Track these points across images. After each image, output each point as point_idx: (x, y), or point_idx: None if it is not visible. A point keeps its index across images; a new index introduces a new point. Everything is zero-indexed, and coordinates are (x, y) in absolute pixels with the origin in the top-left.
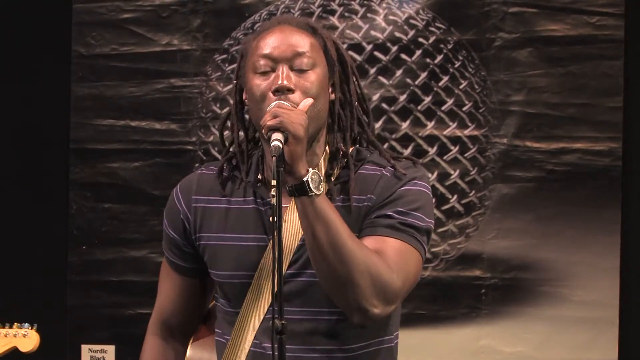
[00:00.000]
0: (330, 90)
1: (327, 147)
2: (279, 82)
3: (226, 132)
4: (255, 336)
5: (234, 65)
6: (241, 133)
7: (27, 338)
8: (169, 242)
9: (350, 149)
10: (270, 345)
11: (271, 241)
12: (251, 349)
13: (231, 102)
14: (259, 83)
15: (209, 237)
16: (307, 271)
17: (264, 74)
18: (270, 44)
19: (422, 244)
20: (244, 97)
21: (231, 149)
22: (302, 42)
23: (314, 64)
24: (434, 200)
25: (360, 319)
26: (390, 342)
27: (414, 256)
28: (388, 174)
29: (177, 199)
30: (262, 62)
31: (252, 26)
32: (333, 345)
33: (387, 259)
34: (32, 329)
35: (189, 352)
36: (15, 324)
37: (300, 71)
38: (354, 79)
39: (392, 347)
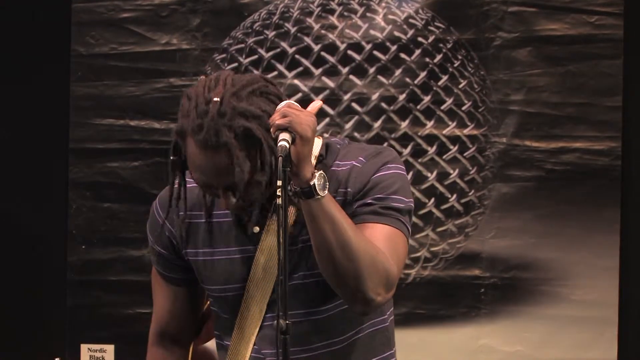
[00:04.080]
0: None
1: None
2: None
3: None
4: (255, 343)
5: (234, 65)
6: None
7: None
8: (158, 257)
9: (320, 146)
10: (269, 351)
11: (257, 251)
12: (252, 354)
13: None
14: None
15: (196, 253)
16: (295, 274)
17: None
18: (200, 178)
19: (406, 224)
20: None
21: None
22: (222, 169)
23: (241, 171)
24: (433, 200)
25: (364, 308)
26: (385, 322)
27: (401, 238)
28: (359, 164)
29: (159, 215)
30: (201, 186)
31: (251, 25)
32: (328, 339)
33: (379, 246)
34: None
35: (207, 345)
36: None
37: (231, 188)
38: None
39: (387, 327)
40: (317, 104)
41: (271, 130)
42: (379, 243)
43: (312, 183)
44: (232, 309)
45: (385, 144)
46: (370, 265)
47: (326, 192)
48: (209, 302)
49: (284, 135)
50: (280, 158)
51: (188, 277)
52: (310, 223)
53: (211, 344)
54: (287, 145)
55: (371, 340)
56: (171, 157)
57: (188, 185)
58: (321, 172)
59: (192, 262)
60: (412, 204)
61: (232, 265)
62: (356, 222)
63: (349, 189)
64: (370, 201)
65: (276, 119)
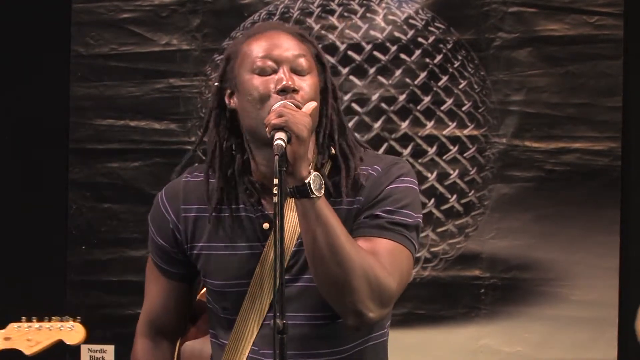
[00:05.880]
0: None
1: (315, 149)
2: (285, 82)
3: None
4: (254, 342)
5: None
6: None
7: (73, 331)
8: (157, 249)
9: (333, 151)
10: (268, 351)
11: (265, 248)
12: (249, 355)
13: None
14: (259, 84)
15: (202, 247)
16: (303, 276)
17: (265, 74)
18: (269, 45)
19: (412, 240)
20: (227, 101)
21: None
22: (299, 46)
23: (311, 67)
24: (433, 200)
25: (356, 322)
26: (383, 337)
27: (405, 255)
28: (375, 173)
29: (164, 208)
30: (261, 63)
31: (251, 26)
32: (327, 348)
33: (381, 260)
34: (76, 321)
35: (184, 347)
36: (54, 317)
37: (300, 74)
38: (332, 88)
39: (384, 341)
40: (311, 104)
41: (267, 129)
42: (382, 258)
43: (307, 181)
44: (233, 306)
45: (385, 145)
46: (362, 276)
47: (322, 193)
48: (197, 300)
49: (280, 135)
50: (276, 157)
51: (186, 272)
52: (303, 224)
53: (199, 344)
54: (283, 145)
55: (375, 353)
56: (217, 84)
57: (191, 179)
58: (317, 173)
59: (196, 256)
60: (421, 219)
61: (238, 261)
62: (361, 234)
63: (362, 197)
64: (378, 213)
65: (272, 119)
